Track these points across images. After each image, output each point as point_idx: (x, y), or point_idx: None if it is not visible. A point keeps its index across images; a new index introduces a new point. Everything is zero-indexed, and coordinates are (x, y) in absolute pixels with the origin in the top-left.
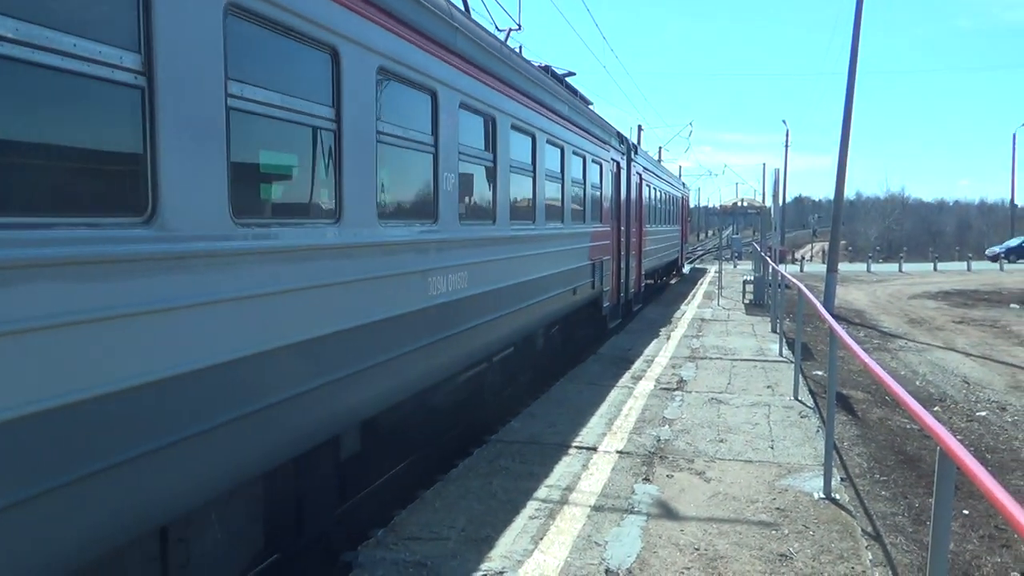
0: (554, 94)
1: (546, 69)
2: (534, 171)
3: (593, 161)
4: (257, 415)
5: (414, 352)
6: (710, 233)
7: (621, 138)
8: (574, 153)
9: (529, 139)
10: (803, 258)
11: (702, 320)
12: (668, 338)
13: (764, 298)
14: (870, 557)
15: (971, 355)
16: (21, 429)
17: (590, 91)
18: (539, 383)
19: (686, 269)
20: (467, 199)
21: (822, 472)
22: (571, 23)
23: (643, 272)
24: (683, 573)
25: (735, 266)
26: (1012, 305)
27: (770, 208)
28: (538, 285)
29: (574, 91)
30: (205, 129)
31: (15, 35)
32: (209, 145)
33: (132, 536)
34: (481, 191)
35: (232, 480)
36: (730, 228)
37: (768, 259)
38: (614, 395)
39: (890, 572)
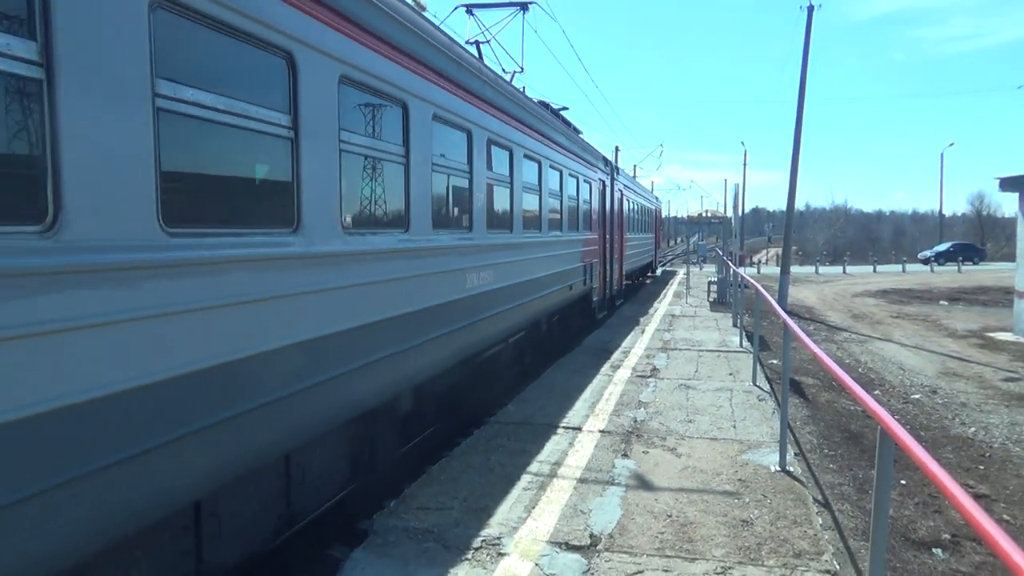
0: (554, 127)
1: (545, 105)
2: (540, 190)
3: (584, 181)
4: (350, 374)
5: (455, 332)
6: (679, 240)
7: (606, 161)
8: (570, 175)
9: (536, 164)
10: (760, 262)
11: (672, 316)
12: (643, 332)
13: (726, 297)
14: (820, 522)
15: (906, 345)
16: (260, 361)
17: (575, 117)
18: (541, 362)
19: (658, 272)
20: (492, 212)
21: (778, 448)
22: (559, 59)
23: (624, 272)
24: (658, 537)
25: (701, 268)
26: (941, 302)
27: (731, 218)
28: (543, 282)
29: (568, 123)
30: (327, 167)
31: (224, 107)
32: (329, 178)
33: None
34: (502, 206)
35: (351, 412)
36: (696, 235)
37: (729, 263)
38: (596, 381)
39: (838, 535)
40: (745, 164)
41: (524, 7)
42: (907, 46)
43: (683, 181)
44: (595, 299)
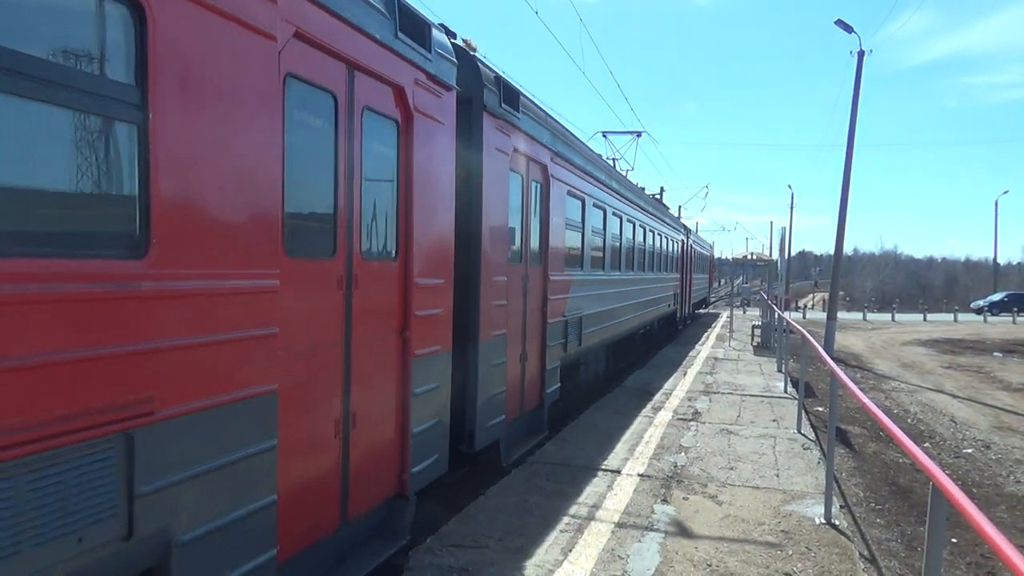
0: (664, 213)
1: (657, 198)
2: (659, 250)
3: (675, 241)
4: (617, 323)
5: (639, 315)
6: (723, 282)
7: (684, 226)
8: (669, 239)
9: (660, 237)
10: (805, 306)
11: (715, 359)
12: (685, 374)
13: (771, 341)
14: None
15: (958, 397)
16: (603, 313)
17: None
18: (651, 348)
19: (704, 310)
20: (647, 262)
21: (823, 499)
22: (604, 98)
23: (691, 301)
24: None
25: (744, 312)
26: (995, 353)
27: (776, 261)
28: (659, 300)
29: (664, 205)
30: (561, 241)
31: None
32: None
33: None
34: (649, 259)
35: (618, 335)
36: (740, 278)
37: (774, 306)
38: (637, 423)
39: None
40: (792, 208)
41: (638, 134)
42: (958, 93)
43: (728, 222)
44: (677, 316)
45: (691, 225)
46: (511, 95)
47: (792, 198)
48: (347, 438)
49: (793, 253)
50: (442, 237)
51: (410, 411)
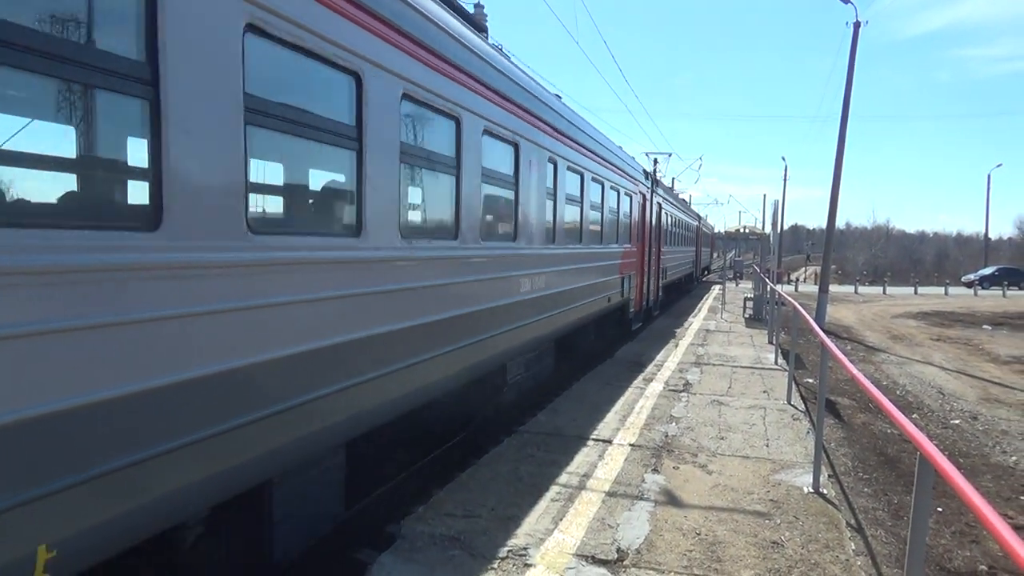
0: (688, 208)
1: (688, 201)
2: (688, 231)
3: (691, 225)
4: (680, 269)
5: (680, 269)
6: (716, 255)
7: (699, 216)
8: (690, 226)
9: (688, 225)
10: (798, 279)
11: (707, 331)
12: (676, 346)
13: (762, 313)
14: (853, 547)
15: (947, 369)
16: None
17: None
18: (686, 287)
19: (707, 277)
20: (682, 240)
21: (811, 469)
22: (598, 68)
23: (701, 264)
24: (686, 555)
25: (736, 284)
26: (984, 326)
27: (769, 234)
28: (688, 262)
29: (687, 203)
30: (664, 233)
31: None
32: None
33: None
34: (683, 237)
35: (682, 274)
36: (733, 251)
37: (766, 279)
38: (628, 394)
39: (870, 561)
40: (785, 180)
41: (669, 155)
42: (952, 65)
43: (721, 195)
44: (693, 275)
45: (685, 198)
46: (656, 182)
47: (785, 170)
48: (637, 287)
49: (786, 226)
50: (649, 235)
51: (646, 285)
